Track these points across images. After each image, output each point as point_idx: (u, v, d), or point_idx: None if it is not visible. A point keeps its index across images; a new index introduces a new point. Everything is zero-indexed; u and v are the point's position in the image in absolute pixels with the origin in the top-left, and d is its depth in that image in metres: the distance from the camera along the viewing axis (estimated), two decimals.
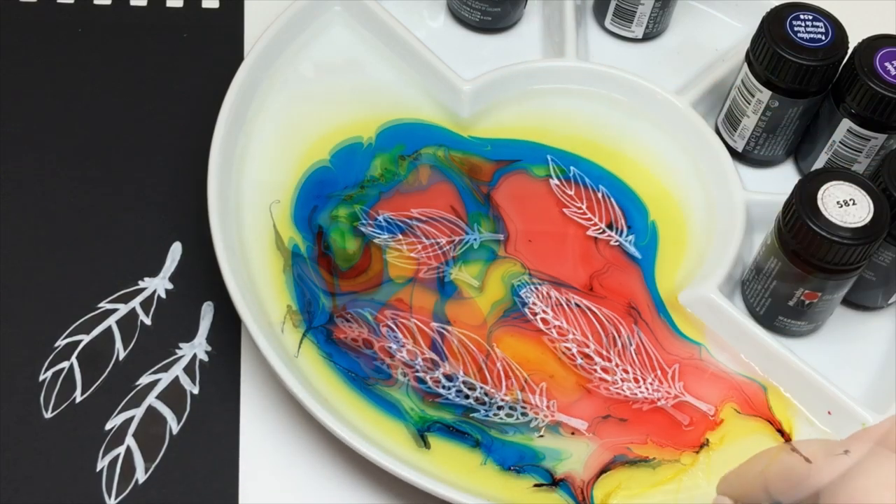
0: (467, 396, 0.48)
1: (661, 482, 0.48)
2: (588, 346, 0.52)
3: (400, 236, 0.54)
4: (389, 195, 0.55)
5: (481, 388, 0.49)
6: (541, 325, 0.52)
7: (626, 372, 0.51)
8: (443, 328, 0.50)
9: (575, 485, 0.48)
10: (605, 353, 0.51)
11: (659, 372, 0.51)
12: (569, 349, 0.51)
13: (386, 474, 0.46)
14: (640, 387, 0.51)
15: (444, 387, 0.48)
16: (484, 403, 0.48)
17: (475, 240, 0.53)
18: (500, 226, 0.55)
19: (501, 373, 0.49)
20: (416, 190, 0.56)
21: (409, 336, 0.50)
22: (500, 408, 0.48)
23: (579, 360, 0.51)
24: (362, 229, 0.54)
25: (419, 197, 0.55)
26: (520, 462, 0.48)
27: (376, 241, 0.53)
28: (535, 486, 0.48)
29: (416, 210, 0.55)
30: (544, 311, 0.52)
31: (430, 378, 0.49)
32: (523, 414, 0.49)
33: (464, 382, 0.49)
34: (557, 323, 0.52)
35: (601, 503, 0.47)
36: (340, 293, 0.52)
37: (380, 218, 0.54)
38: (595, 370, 0.51)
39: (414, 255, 0.53)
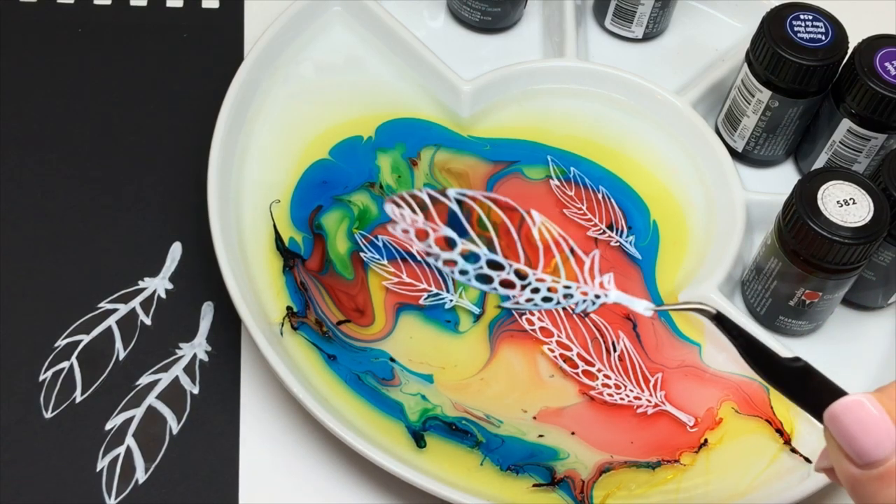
0: (490, 280, 0.38)
1: (660, 482, 0.48)
2: (571, 350, 0.51)
3: (399, 262, 0.53)
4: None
5: (511, 265, 0.37)
6: (525, 325, 0.52)
7: (608, 377, 0.51)
8: (462, 194, 0.37)
9: (575, 485, 0.48)
10: (588, 357, 0.51)
11: (642, 380, 0.51)
12: (552, 350, 0.51)
13: (385, 474, 0.46)
14: (620, 392, 0.51)
15: (461, 272, 0.38)
16: (513, 286, 0.38)
17: (450, 300, 0.53)
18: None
19: (539, 243, 0.37)
20: None
21: (419, 210, 0.37)
22: (534, 290, 0.37)
23: (562, 363, 0.51)
24: (361, 255, 0.53)
25: None
26: (519, 461, 0.48)
27: (372, 266, 0.53)
28: (535, 486, 0.48)
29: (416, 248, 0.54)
30: (531, 312, 0.52)
31: (444, 261, 0.37)
32: (566, 296, 0.38)
33: (488, 262, 0.37)
34: (543, 324, 0.52)
35: (601, 503, 0.47)
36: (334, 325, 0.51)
37: (378, 239, 0.54)
38: (577, 374, 0.51)
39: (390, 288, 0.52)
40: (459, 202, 0.37)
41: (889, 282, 0.53)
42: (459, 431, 0.49)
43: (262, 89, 0.58)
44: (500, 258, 0.37)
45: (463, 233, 0.37)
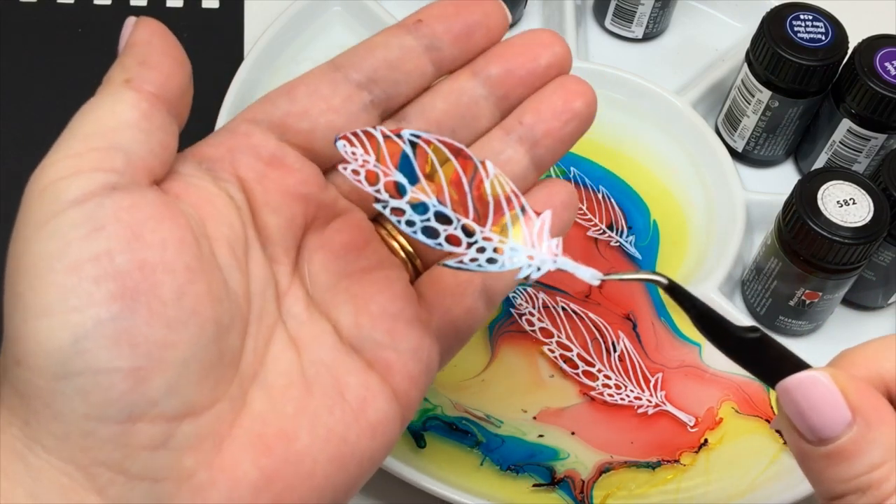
0: (437, 234, 0.33)
1: (660, 482, 0.48)
2: (571, 350, 0.51)
3: None
4: None
5: (459, 220, 0.33)
6: (525, 326, 0.52)
7: (609, 378, 0.51)
8: (416, 136, 0.33)
9: (575, 485, 0.48)
10: (588, 357, 0.51)
11: (642, 381, 0.51)
12: (552, 351, 0.51)
13: (385, 473, 0.46)
14: (620, 393, 0.51)
15: (408, 223, 0.34)
16: (459, 243, 0.33)
17: None
18: None
19: (490, 198, 0.33)
20: None
21: (371, 150, 0.34)
22: (480, 250, 0.33)
23: (562, 364, 0.51)
24: None
25: None
26: (519, 462, 0.48)
27: None
28: (535, 486, 0.48)
29: None
30: (530, 313, 0.52)
31: (392, 209, 0.33)
32: (512, 258, 0.34)
33: (436, 215, 0.34)
34: (542, 325, 0.52)
35: (601, 503, 0.47)
36: None
37: None
38: (578, 374, 0.51)
39: None
40: (413, 144, 0.33)
41: (889, 282, 0.53)
42: (459, 431, 0.49)
43: (262, 89, 0.57)
44: (448, 211, 0.34)
45: (414, 179, 0.34)
